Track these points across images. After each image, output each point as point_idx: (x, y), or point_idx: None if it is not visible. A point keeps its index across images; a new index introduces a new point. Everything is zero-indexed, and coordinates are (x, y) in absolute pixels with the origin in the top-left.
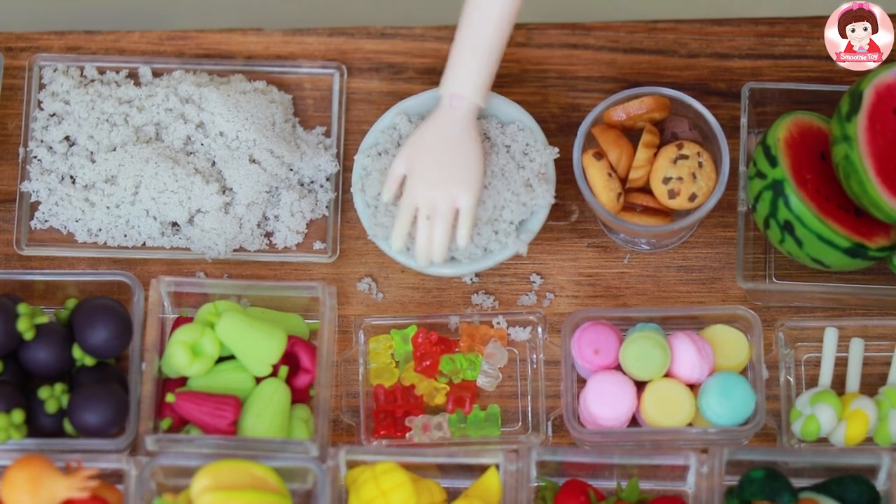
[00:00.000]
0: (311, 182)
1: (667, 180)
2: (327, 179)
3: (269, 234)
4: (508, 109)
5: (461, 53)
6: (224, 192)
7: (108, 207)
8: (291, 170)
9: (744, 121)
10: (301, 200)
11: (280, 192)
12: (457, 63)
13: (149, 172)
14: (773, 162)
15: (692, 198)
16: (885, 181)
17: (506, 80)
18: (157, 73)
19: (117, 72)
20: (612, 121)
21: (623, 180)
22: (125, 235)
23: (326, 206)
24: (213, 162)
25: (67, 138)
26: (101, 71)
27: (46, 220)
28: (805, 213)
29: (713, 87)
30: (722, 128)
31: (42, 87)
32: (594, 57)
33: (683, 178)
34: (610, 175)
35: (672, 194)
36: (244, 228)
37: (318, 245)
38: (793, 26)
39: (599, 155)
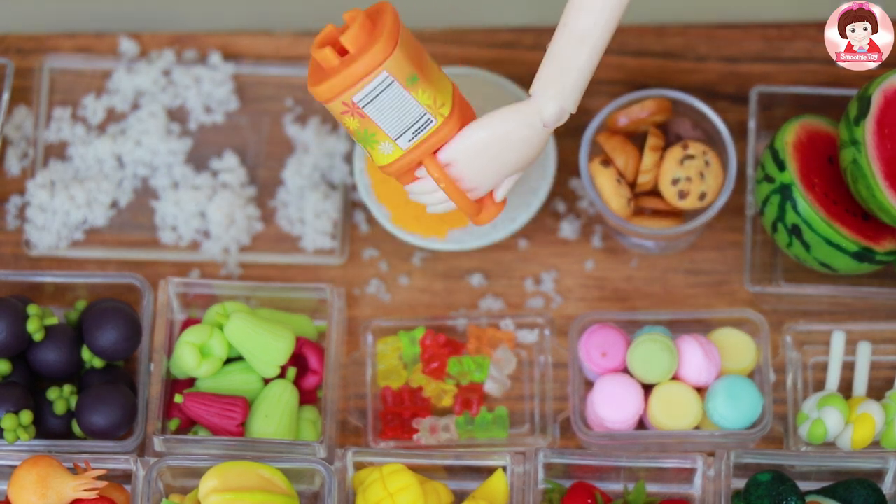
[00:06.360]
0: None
1: (676, 181)
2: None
3: (296, 238)
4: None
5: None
6: (234, 192)
7: (116, 208)
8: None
9: (752, 125)
10: (326, 201)
11: (304, 193)
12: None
13: (159, 174)
14: (781, 166)
15: (702, 196)
16: (893, 185)
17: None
18: (167, 72)
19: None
20: (616, 126)
21: (632, 185)
22: (133, 238)
23: (337, 210)
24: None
25: (78, 138)
26: (106, 74)
27: (55, 222)
28: (813, 217)
29: (721, 91)
30: (730, 131)
31: (52, 89)
32: (603, 60)
33: (692, 177)
34: (619, 181)
35: (682, 195)
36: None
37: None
38: (801, 30)
39: (607, 162)
